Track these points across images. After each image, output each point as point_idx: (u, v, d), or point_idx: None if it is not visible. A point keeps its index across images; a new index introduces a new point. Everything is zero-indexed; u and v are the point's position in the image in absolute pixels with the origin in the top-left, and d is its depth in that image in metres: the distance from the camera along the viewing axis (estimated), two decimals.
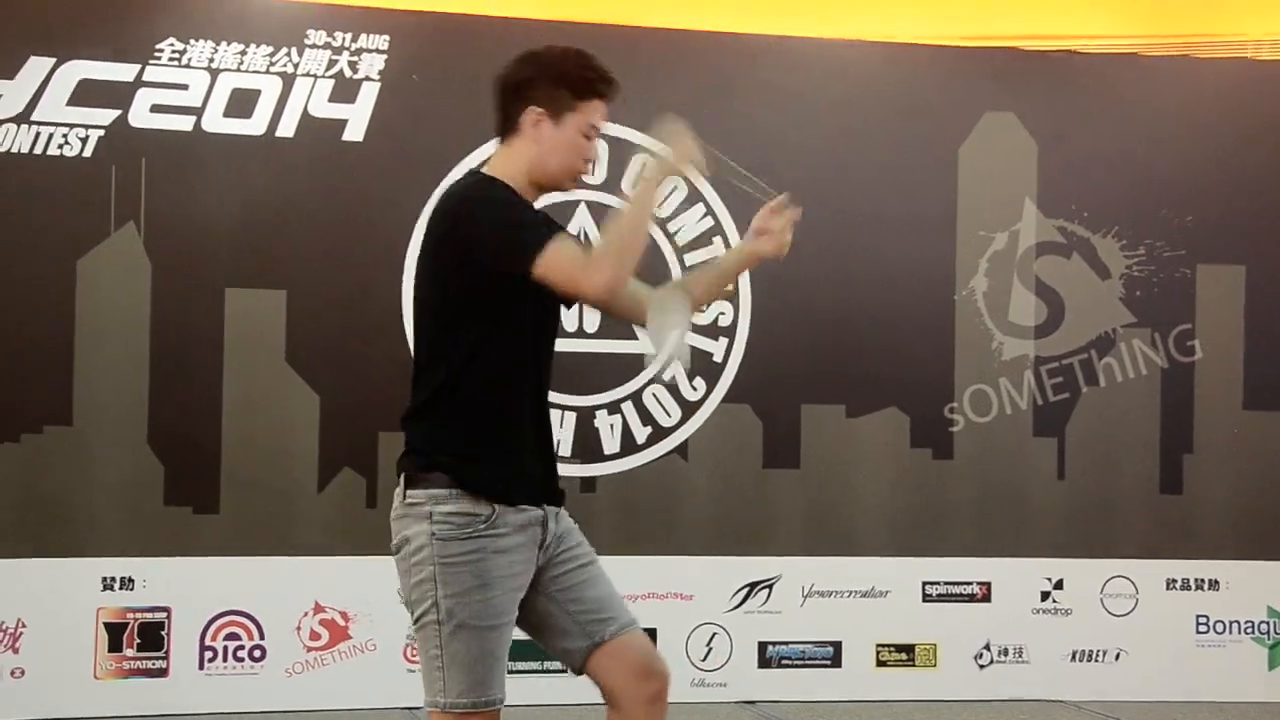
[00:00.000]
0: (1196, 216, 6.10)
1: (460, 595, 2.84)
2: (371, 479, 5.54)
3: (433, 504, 2.85)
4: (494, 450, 2.90)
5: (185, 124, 5.44)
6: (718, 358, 5.84)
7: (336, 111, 5.58)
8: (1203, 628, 6.06)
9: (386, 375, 5.56)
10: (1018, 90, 6.05)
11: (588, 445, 5.74)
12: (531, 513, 2.94)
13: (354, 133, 5.59)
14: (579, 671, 3.02)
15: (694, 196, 5.85)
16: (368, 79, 5.60)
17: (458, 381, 2.88)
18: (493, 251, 2.83)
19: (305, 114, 5.54)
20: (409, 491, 2.90)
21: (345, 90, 5.58)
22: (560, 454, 5.68)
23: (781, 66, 5.98)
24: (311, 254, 5.56)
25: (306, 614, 5.50)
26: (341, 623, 5.53)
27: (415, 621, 2.91)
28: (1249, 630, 6.07)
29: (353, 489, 5.55)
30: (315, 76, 5.56)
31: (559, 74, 2.98)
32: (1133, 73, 6.15)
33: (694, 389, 5.83)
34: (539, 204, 3.06)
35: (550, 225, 2.91)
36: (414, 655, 5.53)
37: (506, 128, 3.01)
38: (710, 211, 5.87)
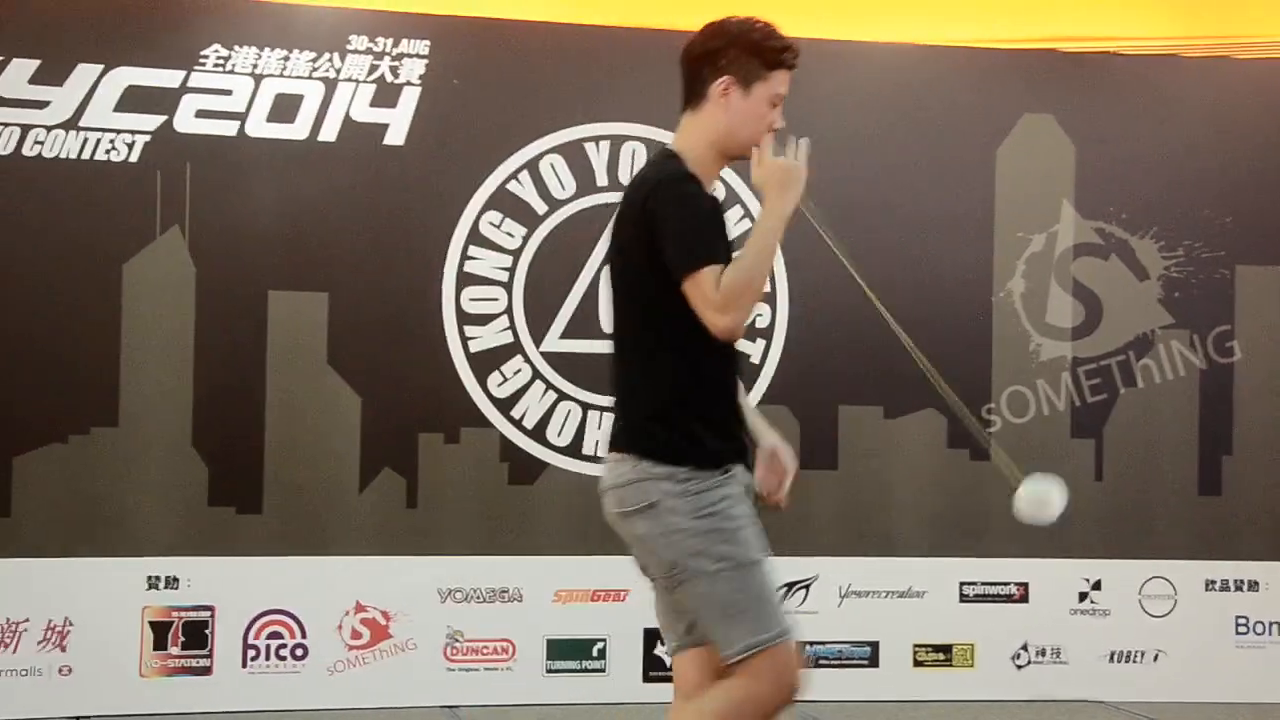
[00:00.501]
0: (1235, 217, 6.09)
1: (729, 537, 2.94)
2: (412, 479, 5.60)
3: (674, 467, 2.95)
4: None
5: (229, 129, 5.50)
6: (755, 359, 5.86)
7: (378, 116, 5.63)
8: (1242, 629, 6.05)
9: (426, 377, 5.65)
10: (1056, 92, 6.06)
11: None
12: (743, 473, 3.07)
13: (395, 137, 5.64)
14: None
15: (732, 197, 5.88)
16: (409, 84, 5.65)
17: (682, 359, 2.99)
18: (669, 244, 2.92)
19: (347, 118, 5.60)
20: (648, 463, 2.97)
21: (387, 95, 5.63)
22: (599, 455, 5.74)
23: (820, 69, 5.98)
24: (353, 257, 5.62)
25: (348, 613, 5.56)
26: (382, 622, 5.59)
27: (686, 580, 2.92)
28: None
29: (393, 490, 5.60)
30: (357, 81, 5.62)
31: (749, 44, 3.04)
32: (1171, 74, 6.15)
33: None
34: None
35: (728, 244, 3.00)
36: (454, 654, 5.61)
37: (695, 97, 3.09)
38: (748, 213, 5.90)
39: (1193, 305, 6.09)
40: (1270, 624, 6.05)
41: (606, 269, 3.24)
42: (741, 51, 3.04)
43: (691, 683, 3.05)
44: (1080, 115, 6.07)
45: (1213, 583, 6.07)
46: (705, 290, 2.88)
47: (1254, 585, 6.05)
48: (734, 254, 2.99)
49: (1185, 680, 6.00)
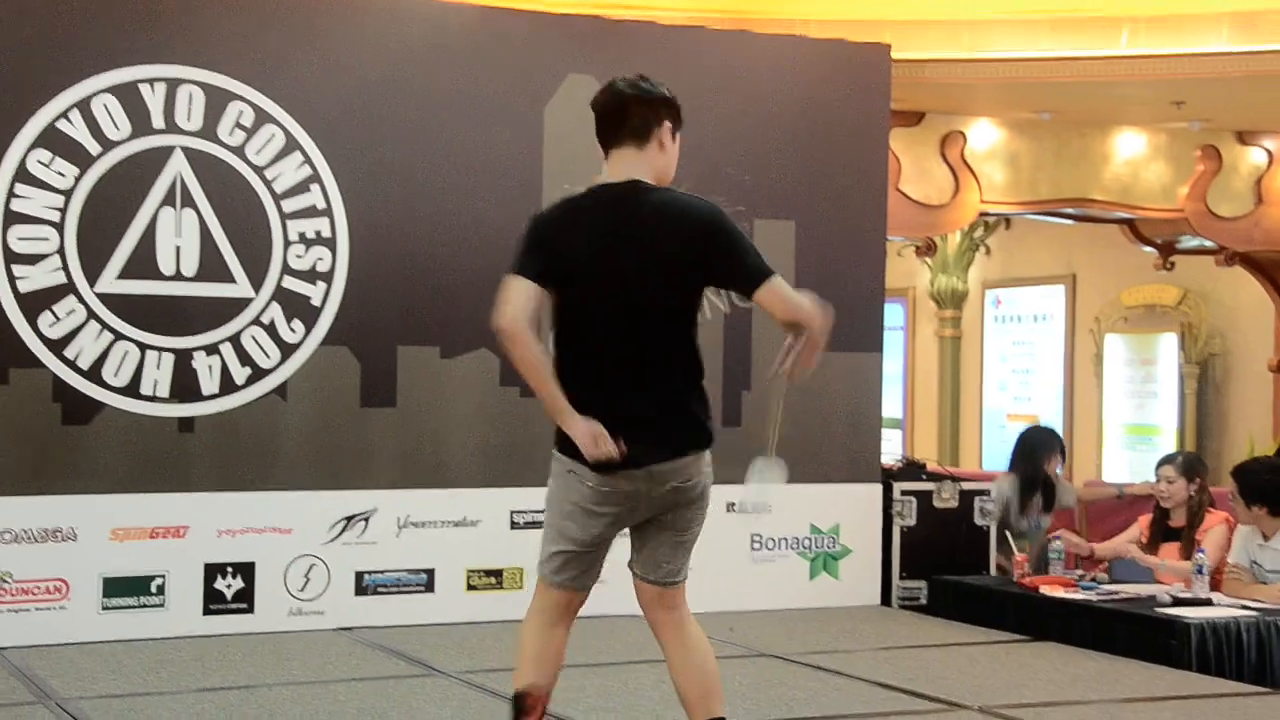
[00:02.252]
0: (753, 175, 6.75)
1: None
2: None
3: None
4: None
5: None
6: (316, 301, 6.03)
7: None
8: (756, 545, 6.77)
9: None
10: (597, 54, 6.51)
11: (186, 386, 5.83)
12: None
13: None
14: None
15: (291, 145, 6.01)
16: None
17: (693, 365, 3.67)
18: (739, 261, 3.58)
19: None
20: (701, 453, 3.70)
21: None
22: (158, 395, 5.78)
23: (377, 19, 6.21)
24: None
25: None
26: None
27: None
28: (794, 545, 6.84)
29: None
30: None
31: (674, 104, 3.74)
32: (699, 43, 6.72)
33: (292, 330, 6.02)
34: None
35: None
36: (2, 595, 5.52)
37: (640, 135, 3.66)
38: (308, 159, 6.05)
39: None
40: (780, 539, 6.79)
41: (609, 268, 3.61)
42: (674, 108, 3.72)
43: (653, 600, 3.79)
44: (618, 76, 6.54)
45: (732, 504, 6.71)
46: (785, 289, 3.56)
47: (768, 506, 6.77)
48: None
49: (711, 592, 6.59)
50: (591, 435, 3.53)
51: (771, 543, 6.80)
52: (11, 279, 5.60)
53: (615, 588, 6.40)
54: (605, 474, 3.58)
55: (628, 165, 3.66)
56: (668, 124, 3.69)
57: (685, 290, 3.62)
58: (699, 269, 3.59)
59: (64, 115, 5.67)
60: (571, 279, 3.58)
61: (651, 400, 3.60)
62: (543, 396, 3.59)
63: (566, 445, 3.61)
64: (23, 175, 5.61)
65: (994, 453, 11.69)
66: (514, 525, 6.37)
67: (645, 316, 3.58)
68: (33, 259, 5.64)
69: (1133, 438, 11.23)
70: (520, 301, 3.53)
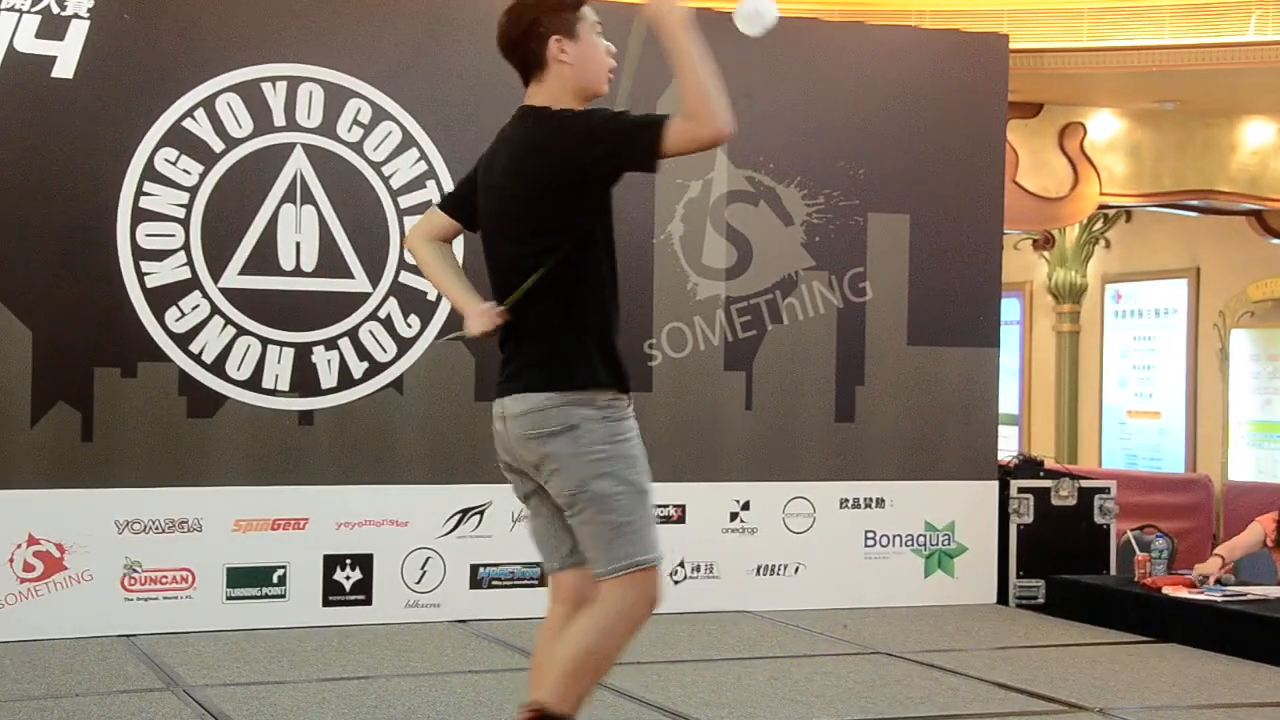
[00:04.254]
0: (867, 169, 6.70)
1: (635, 465, 3.21)
2: (87, 413, 5.61)
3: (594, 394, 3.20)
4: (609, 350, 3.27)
5: None
6: (431, 296, 6.10)
7: (45, 48, 5.57)
8: (870, 542, 6.72)
9: (101, 312, 5.65)
10: (709, 48, 6.48)
11: (306, 380, 5.93)
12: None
13: (64, 70, 5.59)
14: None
15: (408, 141, 6.09)
16: (77, 16, 5.61)
17: (576, 297, 3.21)
18: (621, 140, 3.13)
19: (10, 49, 5.52)
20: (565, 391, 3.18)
21: (53, 26, 5.58)
22: (279, 389, 5.89)
23: (493, 17, 6.25)
24: (20, 190, 5.57)
25: (19, 546, 5.54)
26: (57, 554, 5.59)
27: (588, 501, 3.16)
28: (909, 543, 6.77)
29: (67, 423, 5.60)
30: (20, 11, 5.53)
31: (551, 1, 3.26)
32: (813, 35, 6.68)
33: (408, 325, 6.09)
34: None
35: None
36: (131, 584, 5.67)
37: (536, 69, 3.30)
38: (424, 156, 6.12)
39: (831, 249, 6.67)
40: (894, 536, 6.75)
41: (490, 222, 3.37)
42: (550, 10, 3.28)
43: (574, 593, 3.32)
44: (731, 71, 6.50)
45: (846, 501, 6.71)
46: (681, 125, 3.11)
47: (880, 502, 6.73)
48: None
49: (822, 589, 6.62)
50: (475, 313, 3.33)
51: (886, 539, 6.74)
52: (140, 275, 5.73)
53: (726, 584, 6.47)
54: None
55: (537, 101, 3.33)
56: (554, 37, 3.28)
57: (543, 221, 3.24)
58: (552, 191, 3.20)
59: (190, 114, 5.79)
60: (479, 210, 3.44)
61: (515, 337, 3.29)
62: (443, 293, 3.58)
63: None
64: (151, 173, 5.75)
65: (1113, 450, 11.45)
66: None
67: (510, 257, 3.28)
68: (160, 255, 5.77)
69: (1259, 435, 10.93)
70: (422, 226, 3.60)
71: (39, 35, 5.56)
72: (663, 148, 3.16)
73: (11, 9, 5.52)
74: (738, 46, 6.49)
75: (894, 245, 6.73)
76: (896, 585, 6.71)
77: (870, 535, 6.72)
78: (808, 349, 6.65)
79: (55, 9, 5.58)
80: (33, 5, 5.55)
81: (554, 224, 3.24)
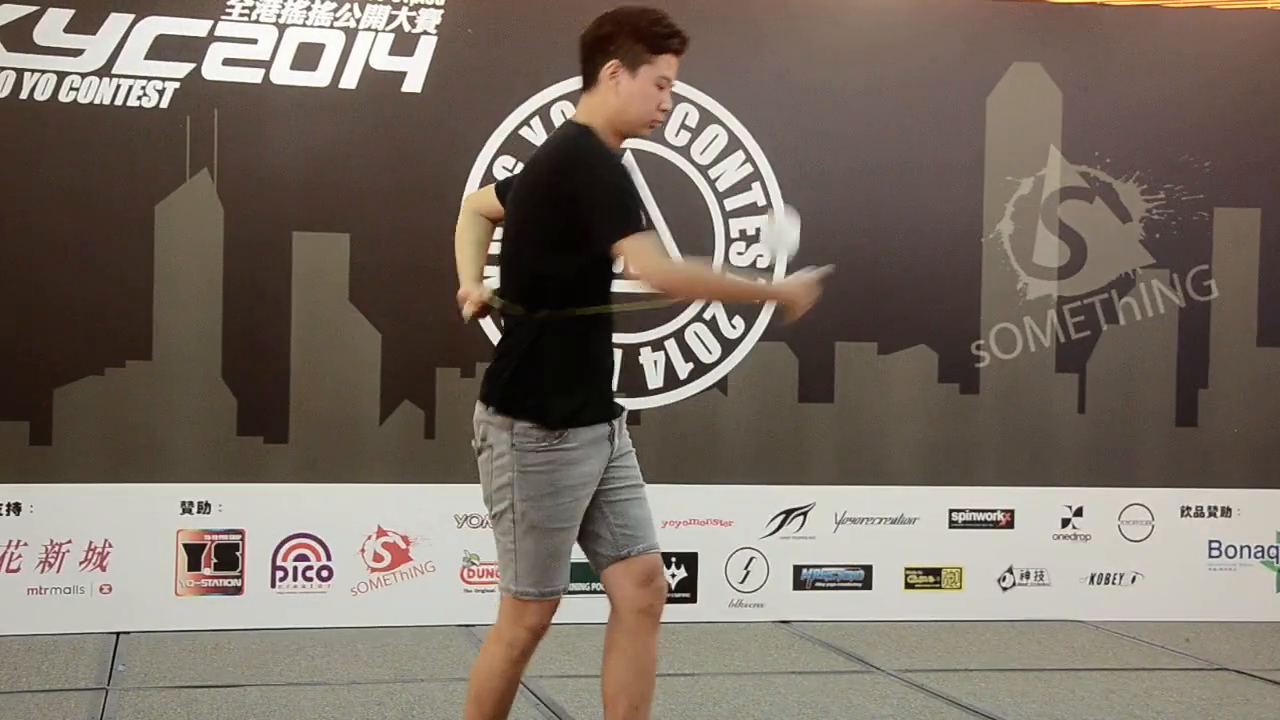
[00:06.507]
0: (1214, 162, 6.36)
1: (534, 500, 3.23)
2: (430, 411, 5.89)
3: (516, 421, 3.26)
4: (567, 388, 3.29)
5: (255, 76, 5.75)
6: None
7: (397, 64, 5.88)
8: (1215, 552, 6.38)
9: (443, 314, 5.90)
10: (1044, 42, 6.31)
11: (633, 381, 6.07)
12: (600, 429, 3.29)
13: (413, 84, 5.89)
14: (598, 572, 3.44)
15: (734, 143, 6.15)
16: (425, 33, 5.90)
17: (546, 332, 3.27)
18: (598, 212, 3.15)
19: (367, 66, 5.85)
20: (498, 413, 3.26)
21: (405, 44, 5.88)
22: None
23: (817, 20, 6.25)
24: (373, 199, 5.88)
25: (370, 537, 5.87)
26: (403, 546, 5.90)
27: (492, 516, 3.31)
28: (1259, 554, 6.39)
29: (412, 421, 5.89)
30: (376, 31, 5.86)
31: (636, 30, 3.27)
32: (1154, 24, 6.39)
33: (733, 327, 6.15)
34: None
35: (646, 215, 3.29)
36: (470, 576, 5.93)
37: (589, 79, 3.32)
38: (750, 159, 6.16)
39: (1173, 246, 6.37)
40: (1241, 547, 6.39)
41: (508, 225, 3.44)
42: (629, 38, 3.26)
43: (621, 596, 3.41)
44: (1066, 64, 6.33)
45: (1188, 509, 6.39)
46: (643, 251, 3.16)
47: (1226, 511, 6.38)
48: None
49: (1161, 600, 6.33)
50: (465, 295, 3.48)
51: (1232, 550, 6.39)
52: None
53: (1057, 592, 6.25)
54: None
55: (579, 114, 3.35)
56: (614, 62, 3.25)
57: (544, 249, 3.25)
58: (540, 225, 3.23)
59: (526, 122, 6.01)
60: None
61: (501, 345, 3.36)
62: (457, 262, 3.65)
63: None
64: (491, 180, 5.98)
65: None
66: (952, 524, 6.27)
67: (511, 257, 3.34)
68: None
69: None
70: (475, 198, 3.72)
71: (392, 52, 5.88)
72: (619, 249, 3.16)
73: (368, 29, 5.86)
74: (1070, 41, 6.31)
75: (1243, 241, 6.37)
76: (1244, 598, 6.35)
77: (1215, 545, 6.38)
78: (1146, 350, 6.37)
79: (407, 27, 5.89)
80: (387, 24, 5.87)
81: (548, 260, 3.26)
